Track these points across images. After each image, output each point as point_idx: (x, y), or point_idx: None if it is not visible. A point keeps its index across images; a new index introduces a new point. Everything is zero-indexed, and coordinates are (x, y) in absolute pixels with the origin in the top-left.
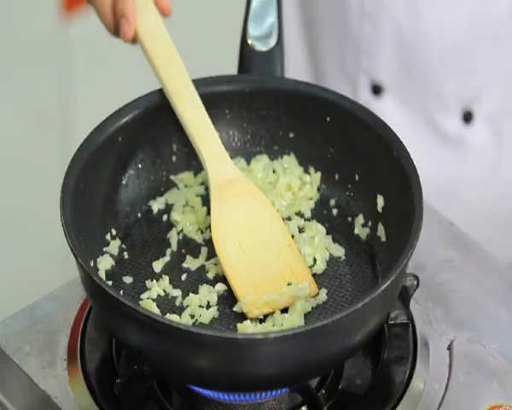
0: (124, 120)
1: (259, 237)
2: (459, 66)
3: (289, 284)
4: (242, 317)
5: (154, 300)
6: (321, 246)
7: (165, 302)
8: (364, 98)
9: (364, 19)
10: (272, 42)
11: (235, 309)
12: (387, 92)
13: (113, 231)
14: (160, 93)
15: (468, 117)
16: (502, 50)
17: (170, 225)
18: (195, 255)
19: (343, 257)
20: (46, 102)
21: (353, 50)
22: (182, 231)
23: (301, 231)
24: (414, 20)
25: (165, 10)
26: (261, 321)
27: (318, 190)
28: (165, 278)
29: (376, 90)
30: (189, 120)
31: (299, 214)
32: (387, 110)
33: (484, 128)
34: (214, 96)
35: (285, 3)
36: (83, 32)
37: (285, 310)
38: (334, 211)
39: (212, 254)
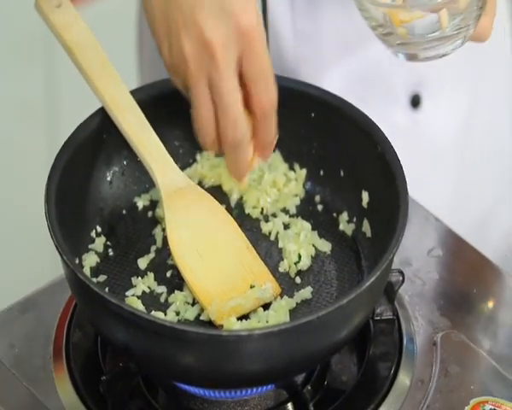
0: (108, 116)
1: (217, 243)
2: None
3: (252, 287)
4: None
5: (139, 297)
6: (306, 242)
7: (151, 299)
8: None
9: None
10: None
11: (202, 318)
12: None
13: (98, 228)
14: (144, 91)
15: (416, 101)
16: None
17: (155, 221)
18: None
19: (329, 253)
20: (32, 99)
21: None
22: None
23: (286, 227)
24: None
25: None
26: (246, 318)
27: (303, 186)
28: (151, 275)
29: None
30: (132, 132)
31: (284, 211)
32: None
33: (432, 110)
34: None
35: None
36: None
37: (267, 307)
38: (319, 207)
39: None
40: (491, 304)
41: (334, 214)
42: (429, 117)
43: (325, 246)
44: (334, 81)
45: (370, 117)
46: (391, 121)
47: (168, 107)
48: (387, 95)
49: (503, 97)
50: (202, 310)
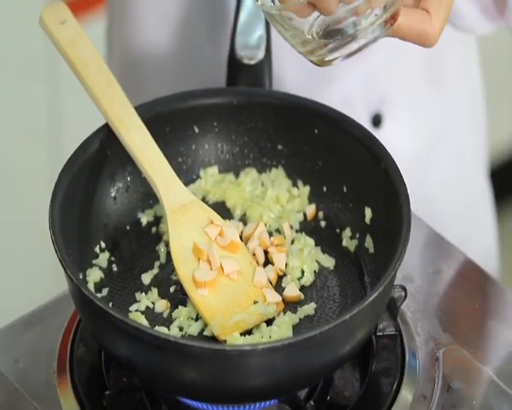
0: (112, 132)
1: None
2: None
3: (255, 303)
4: None
5: (142, 312)
6: (309, 258)
7: (154, 314)
8: None
9: None
10: (260, 55)
11: (205, 334)
12: None
13: (102, 244)
14: (148, 107)
15: (377, 120)
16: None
17: (159, 237)
18: None
19: (332, 268)
20: (35, 115)
21: None
22: None
23: (290, 243)
24: None
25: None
26: (250, 333)
27: (307, 202)
28: (154, 291)
29: None
30: (137, 148)
31: (289, 226)
32: None
33: (393, 129)
34: (203, 109)
35: None
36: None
37: (270, 322)
38: (323, 223)
39: None
40: (493, 320)
41: (338, 230)
42: (390, 136)
43: (328, 262)
44: None
45: None
46: None
47: (172, 123)
48: (348, 114)
49: (468, 117)
50: (206, 326)
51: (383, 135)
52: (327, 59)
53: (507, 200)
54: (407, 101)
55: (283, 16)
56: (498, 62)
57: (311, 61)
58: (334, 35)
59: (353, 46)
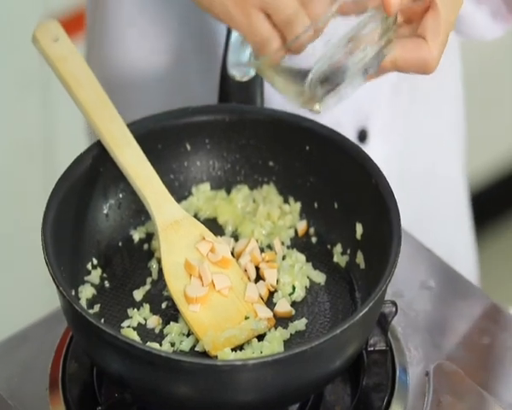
0: (104, 150)
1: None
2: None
3: (247, 318)
4: None
5: (134, 328)
6: (301, 274)
7: (146, 330)
8: None
9: None
10: (252, 72)
11: (197, 349)
12: None
13: (94, 261)
14: (140, 124)
15: (363, 135)
16: None
17: (151, 254)
18: None
19: (323, 284)
20: (30, 132)
21: None
22: None
23: (281, 259)
24: None
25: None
26: (241, 349)
27: (298, 218)
28: (146, 307)
29: None
30: (129, 165)
31: (280, 242)
32: None
33: (379, 143)
34: (194, 126)
35: None
36: None
37: (262, 338)
38: (314, 239)
39: None
40: (483, 335)
41: (329, 246)
42: (376, 151)
43: (319, 277)
44: None
45: None
46: None
47: (164, 140)
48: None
49: (454, 135)
50: (197, 341)
51: (369, 150)
52: (321, 107)
53: (486, 227)
54: (392, 116)
55: (279, 69)
56: (480, 91)
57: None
58: (330, 82)
59: (348, 89)
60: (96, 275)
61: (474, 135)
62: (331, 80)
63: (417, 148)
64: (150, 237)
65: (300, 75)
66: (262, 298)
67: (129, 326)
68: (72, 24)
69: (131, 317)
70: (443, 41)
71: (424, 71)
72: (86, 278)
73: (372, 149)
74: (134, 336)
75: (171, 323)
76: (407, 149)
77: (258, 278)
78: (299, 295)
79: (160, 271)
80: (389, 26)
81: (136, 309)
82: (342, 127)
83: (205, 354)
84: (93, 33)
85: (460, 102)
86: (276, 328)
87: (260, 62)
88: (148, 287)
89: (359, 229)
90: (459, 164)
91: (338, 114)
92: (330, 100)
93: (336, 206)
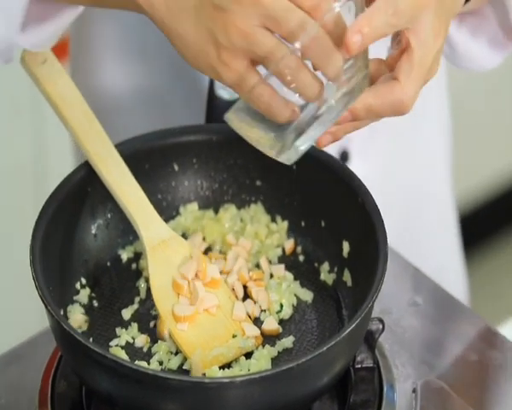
0: (92, 170)
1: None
2: None
3: (234, 337)
4: None
5: (122, 347)
6: (288, 292)
7: (134, 349)
8: None
9: None
10: None
11: (185, 367)
12: None
13: (83, 280)
14: (127, 144)
15: (344, 156)
16: None
17: (139, 273)
18: None
19: (310, 302)
20: (20, 154)
21: None
22: None
23: (270, 277)
24: None
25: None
26: (229, 366)
27: (286, 237)
28: (134, 326)
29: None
30: (116, 185)
31: (267, 261)
32: None
33: (360, 163)
34: (182, 146)
35: None
36: None
37: (249, 355)
38: (301, 257)
39: None
40: (471, 352)
41: (316, 264)
42: (357, 170)
43: (307, 295)
44: None
45: None
46: None
47: (151, 160)
48: None
49: (439, 155)
50: (185, 359)
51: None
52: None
53: (475, 247)
54: (371, 136)
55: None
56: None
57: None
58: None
59: (321, 129)
60: (84, 295)
61: (463, 156)
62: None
63: (400, 167)
64: (138, 256)
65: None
66: (250, 316)
67: (117, 345)
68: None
69: (119, 336)
70: (419, 77)
71: (400, 112)
72: (75, 298)
73: (353, 169)
74: (122, 354)
75: (159, 341)
76: (389, 169)
77: (246, 296)
78: (287, 313)
79: (149, 290)
80: (358, 69)
81: (124, 328)
82: (325, 150)
83: None
84: (77, 60)
85: (445, 122)
86: (263, 346)
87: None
88: (136, 306)
89: (346, 247)
90: (446, 183)
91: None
92: (301, 145)
93: (323, 224)
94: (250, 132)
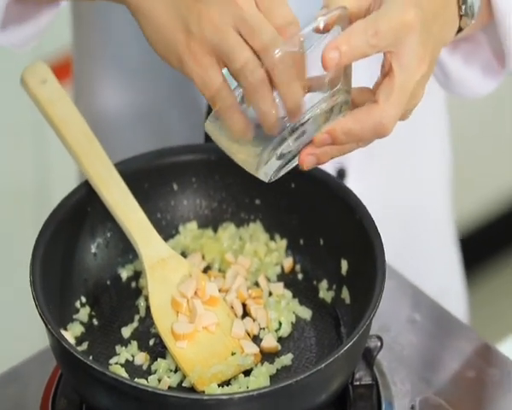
0: (92, 190)
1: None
2: None
3: (233, 354)
4: None
5: (122, 365)
6: (287, 310)
7: (134, 367)
8: None
9: None
10: None
11: (184, 385)
12: None
13: (83, 299)
14: (127, 164)
15: (341, 173)
16: None
17: (138, 291)
18: None
19: (309, 320)
20: (21, 175)
21: None
22: None
23: (268, 295)
24: None
25: None
26: (228, 384)
27: (285, 255)
28: (134, 344)
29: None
30: (116, 204)
31: (266, 279)
32: None
33: (357, 180)
34: (181, 166)
35: None
36: None
37: (248, 373)
38: (300, 275)
39: None
40: (469, 369)
41: (314, 282)
42: (356, 189)
43: (305, 313)
44: None
45: None
46: None
47: (150, 180)
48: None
49: (438, 174)
50: (184, 377)
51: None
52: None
53: (475, 267)
54: (368, 154)
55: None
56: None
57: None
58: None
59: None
60: (84, 313)
61: (463, 177)
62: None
63: (398, 186)
64: (138, 275)
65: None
66: (249, 334)
67: (117, 363)
68: (62, 68)
69: (119, 354)
70: (397, 103)
71: (380, 133)
72: (75, 316)
73: (351, 186)
74: (122, 372)
75: (159, 359)
76: (387, 187)
77: (245, 314)
78: (286, 330)
79: (148, 308)
80: (338, 91)
81: (123, 346)
82: (322, 167)
83: (192, 389)
84: (79, 80)
85: (445, 142)
86: (262, 363)
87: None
88: (135, 324)
89: (344, 265)
90: (445, 203)
91: None
92: (276, 163)
93: (322, 242)
94: (226, 144)
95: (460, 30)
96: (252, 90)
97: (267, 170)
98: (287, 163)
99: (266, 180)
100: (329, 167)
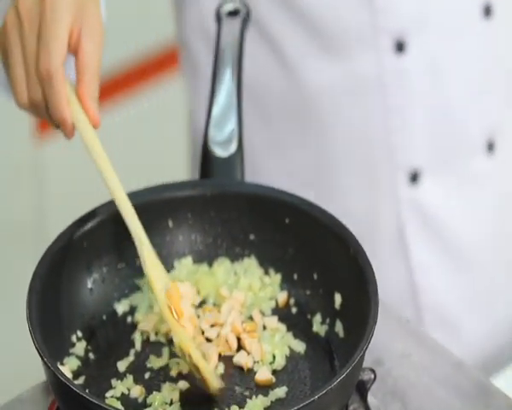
0: (88, 226)
1: None
2: (481, 110)
3: None
4: None
5: (118, 398)
6: (281, 343)
7: (130, 400)
8: (403, 192)
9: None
10: (233, 148)
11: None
12: (425, 176)
13: (79, 333)
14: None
15: (491, 147)
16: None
17: (134, 326)
18: (158, 355)
19: (302, 353)
20: (20, 212)
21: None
22: (145, 331)
23: (263, 329)
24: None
25: (93, 122)
26: None
27: (279, 290)
28: (129, 377)
29: (414, 178)
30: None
31: (260, 313)
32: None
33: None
34: (177, 201)
35: None
36: (55, 153)
37: (243, 405)
38: (294, 309)
39: (174, 353)
40: (462, 404)
41: (308, 316)
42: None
43: (299, 346)
44: None
45: None
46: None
47: (146, 215)
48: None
49: None
50: (180, 409)
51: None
52: None
53: None
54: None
55: None
56: None
57: None
58: None
59: None
60: (80, 347)
61: None
62: None
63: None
64: (134, 309)
65: None
66: (243, 367)
67: (112, 396)
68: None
69: (115, 387)
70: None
71: None
72: (71, 350)
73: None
74: (118, 405)
75: (154, 392)
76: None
77: (240, 347)
78: (280, 363)
79: (144, 342)
80: None
81: (119, 380)
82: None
83: None
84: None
85: None
86: (256, 396)
87: None
88: (131, 358)
89: (338, 299)
90: None
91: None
92: None
93: (316, 277)
94: None
95: None
96: None
97: None
98: None
99: None
100: (482, 147)
